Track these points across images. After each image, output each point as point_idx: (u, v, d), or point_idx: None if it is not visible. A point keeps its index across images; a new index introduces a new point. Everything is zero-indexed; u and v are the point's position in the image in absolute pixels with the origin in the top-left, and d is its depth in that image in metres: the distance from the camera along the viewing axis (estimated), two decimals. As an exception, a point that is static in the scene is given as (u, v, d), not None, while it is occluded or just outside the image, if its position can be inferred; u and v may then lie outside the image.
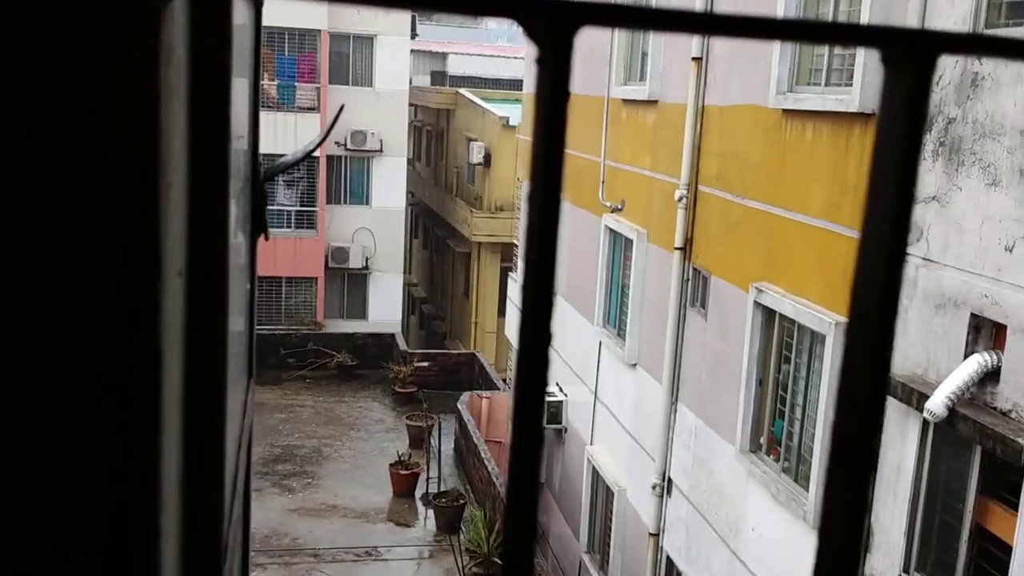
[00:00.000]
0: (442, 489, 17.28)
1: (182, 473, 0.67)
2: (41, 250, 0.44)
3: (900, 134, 0.35)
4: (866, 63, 7.54)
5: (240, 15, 1.21)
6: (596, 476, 13.60)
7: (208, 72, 0.59)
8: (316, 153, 24.71)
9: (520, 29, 0.37)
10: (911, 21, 6.99)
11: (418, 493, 17.73)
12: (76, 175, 0.43)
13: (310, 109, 25.83)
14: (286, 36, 25.79)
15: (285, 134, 24.70)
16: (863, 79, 7.57)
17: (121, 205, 0.43)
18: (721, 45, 10.27)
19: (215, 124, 0.63)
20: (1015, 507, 5.99)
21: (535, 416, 0.41)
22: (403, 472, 17.68)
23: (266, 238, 1.32)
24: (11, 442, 0.48)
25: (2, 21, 0.41)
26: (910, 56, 0.35)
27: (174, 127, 0.46)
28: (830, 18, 8.37)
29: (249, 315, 1.27)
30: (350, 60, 26.86)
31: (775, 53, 8.89)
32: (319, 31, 25.87)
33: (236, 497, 1.03)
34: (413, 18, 28.05)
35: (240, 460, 0.98)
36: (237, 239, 1.04)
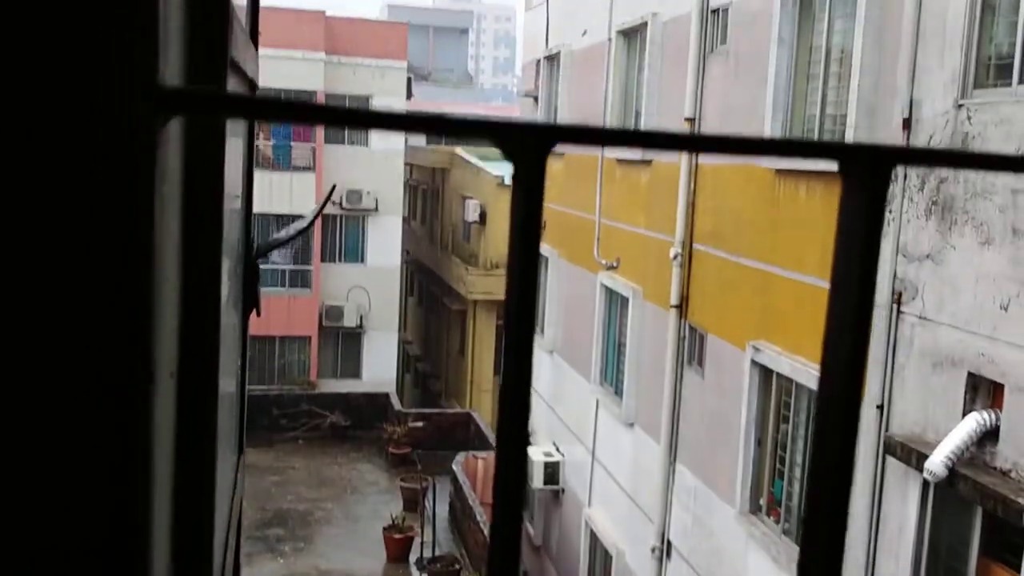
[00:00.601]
0: (437, 553, 17.04)
1: (170, 565, 0.67)
2: (33, 358, 0.45)
3: (858, 243, 0.37)
4: (857, 123, 7.65)
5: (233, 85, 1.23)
6: (594, 539, 13.44)
7: (202, 187, 0.61)
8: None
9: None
10: (901, 83, 7.11)
11: (412, 558, 17.47)
12: (73, 288, 0.44)
13: (306, 168, 26.06)
14: (282, 96, 26.09)
15: (281, 194, 24.88)
16: (855, 138, 7.66)
17: (113, 317, 0.44)
18: (713, 105, 10.42)
19: (207, 235, 0.64)
20: (1017, 568, 5.92)
21: (516, 493, 0.42)
22: (397, 536, 17.44)
23: (258, 314, 1.33)
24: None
25: (9, 134, 0.42)
26: (865, 169, 0.36)
27: (167, 240, 0.47)
28: (820, 84, 8.50)
29: (240, 391, 1.28)
30: (347, 121, 27.14)
31: (767, 114, 9.02)
32: (315, 92, 26.22)
33: None
34: (408, 79, 28.44)
35: (229, 543, 0.98)
36: (229, 316, 1.05)
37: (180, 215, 0.56)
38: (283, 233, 1.96)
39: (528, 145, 0.34)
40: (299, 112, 0.34)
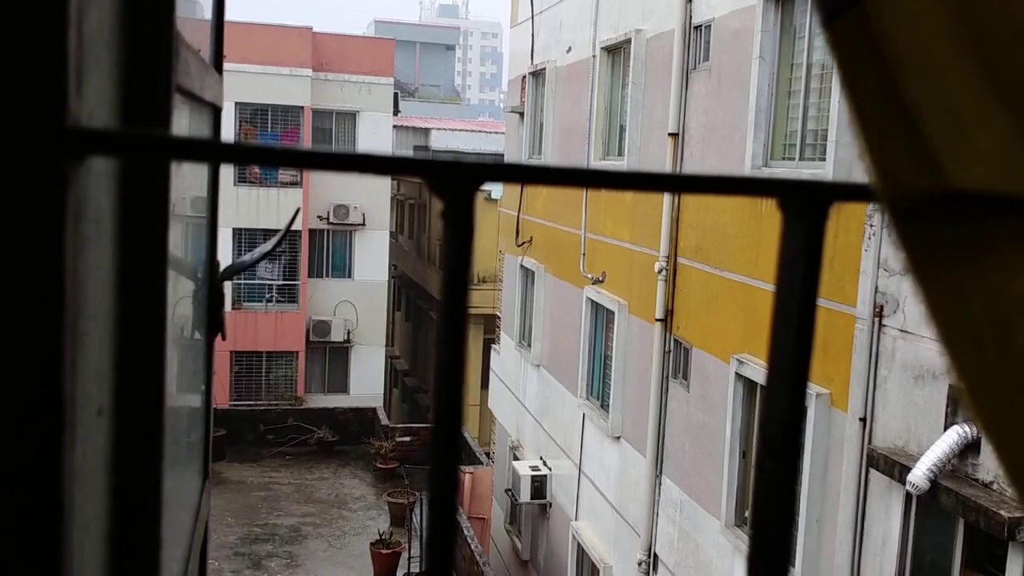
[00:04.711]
0: (424, 569, 16.95)
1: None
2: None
3: (799, 275, 0.36)
4: (839, 138, 7.69)
5: (189, 120, 1.22)
6: (581, 552, 13.40)
7: (141, 222, 0.59)
8: (298, 226, 24.82)
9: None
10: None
11: (400, 573, 17.40)
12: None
13: (292, 184, 26.04)
14: (269, 112, 26.13)
15: (268, 209, 24.87)
16: (836, 153, 7.71)
17: (18, 356, 0.43)
18: (697, 121, 10.47)
19: (148, 267, 0.63)
20: (1001, 581, 5.93)
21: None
22: (384, 551, 17.37)
23: (223, 338, 1.32)
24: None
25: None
26: (805, 205, 0.36)
27: (90, 274, 0.46)
28: (801, 99, 8.55)
29: (206, 415, 1.27)
30: (333, 135, 27.18)
31: (749, 129, 9.07)
32: (302, 107, 26.23)
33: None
34: (395, 94, 28.49)
35: (190, 570, 0.96)
36: (193, 339, 1.04)
37: (115, 249, 0.54)
38: (248, 257, 1.96)
39: (455, 183, 0.34)
40: (217, 152, 0.33)
